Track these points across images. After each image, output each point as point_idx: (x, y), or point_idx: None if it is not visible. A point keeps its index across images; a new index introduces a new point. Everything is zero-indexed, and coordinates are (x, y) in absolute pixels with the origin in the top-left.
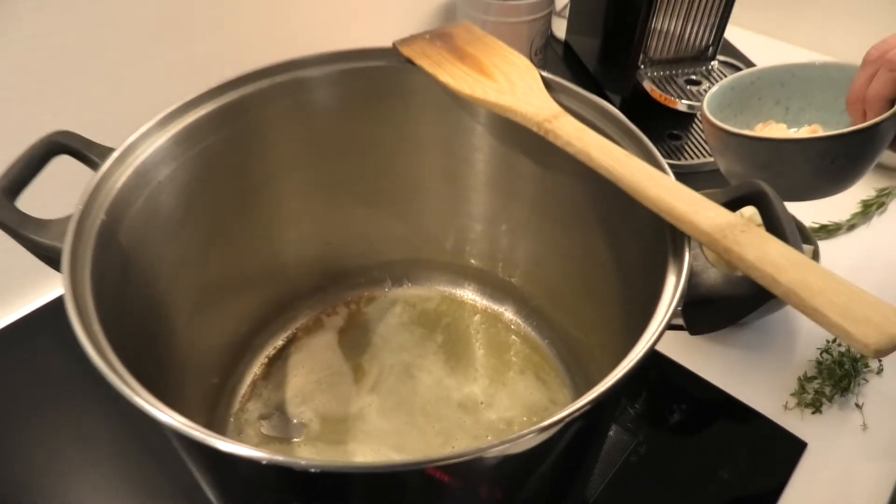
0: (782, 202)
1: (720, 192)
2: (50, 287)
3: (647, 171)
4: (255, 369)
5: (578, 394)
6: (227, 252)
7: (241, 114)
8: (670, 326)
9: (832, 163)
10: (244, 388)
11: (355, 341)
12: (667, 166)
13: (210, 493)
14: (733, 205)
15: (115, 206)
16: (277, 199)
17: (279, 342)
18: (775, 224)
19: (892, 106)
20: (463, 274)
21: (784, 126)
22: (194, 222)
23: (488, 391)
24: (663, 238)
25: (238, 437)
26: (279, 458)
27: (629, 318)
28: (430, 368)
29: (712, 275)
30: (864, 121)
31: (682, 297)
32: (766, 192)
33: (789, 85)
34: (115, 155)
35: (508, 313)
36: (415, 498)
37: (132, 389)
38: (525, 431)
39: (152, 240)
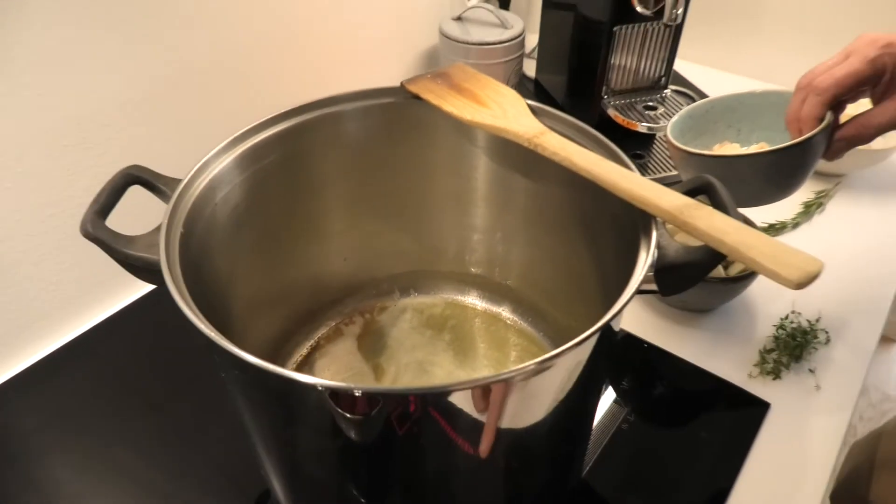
0: (726, 189)
1: (679, 186)
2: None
3: (619, 170)
4: None
5: None
6: (267, 266)
7: (292, 139)
8: (647, 291)
9: (777, 173)
10: None
11: (373, 345)
12: (633, 165)
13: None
14: (689, 194)
15: (188, 222)
16: (310, 220)
17: (305, 350)
18: (720, 204)
19: (820, 123)
20: (464, 281)
21: (737, 145)
22: (242, 238)
23: None
24: (634, 223)
25: None
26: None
27: (612, 298)
28: (441, 363)
29: (675, 246)
30: (801, 136)
31: (652, 264)
32: (712, 182)
33: (738, 110)
34: (186, 179)
35: (506, 312)
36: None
37: (229, 343)
38: (530, 363)
39: (212, 252)
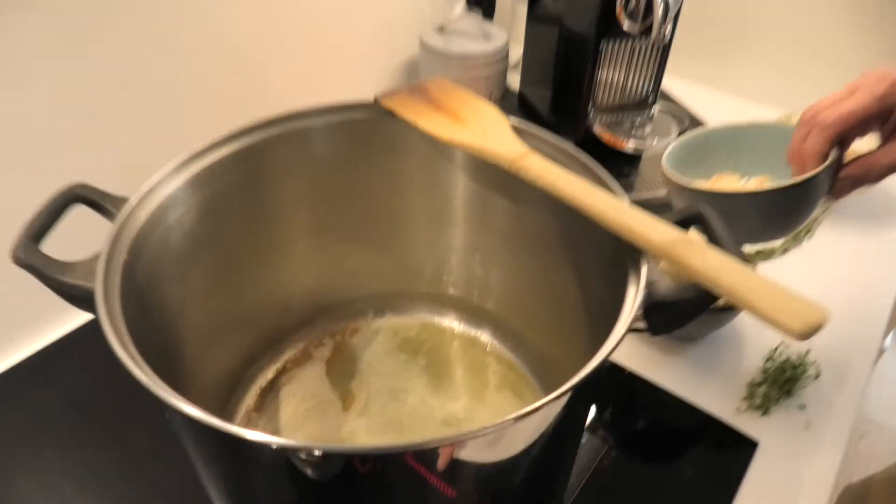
0: (721, 220)
1: (669, 216)
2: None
3: (607, 199)
4: (249, 401)
5: None
6: (227, 291)
7: (250, 159)
8: (635, 329)
9: (777, 211)
10: (238, 418)
11: (342, 369)
12: (623, 193)
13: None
14: (681, 224)
15: (133, 249)
16: (273, 241)
17: (270, 374)
18: (716, 238)
19: (825, 160)
20: (441, 302)
21: (737, 177)
22: (198, 263)
23: (469, 407)
24: (622, 256)
25: None
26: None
27: (597, 331)
28: (414, 390)
29: (665, 283)
30: (804, 172)
31: (642, 302)
32: (704, 214)
33: (739, 142)
34: (133, 201)
35: (485, 336)
36: (400, 490)
37: (168, 392)
38: (507, 418)
39: (163, 278)
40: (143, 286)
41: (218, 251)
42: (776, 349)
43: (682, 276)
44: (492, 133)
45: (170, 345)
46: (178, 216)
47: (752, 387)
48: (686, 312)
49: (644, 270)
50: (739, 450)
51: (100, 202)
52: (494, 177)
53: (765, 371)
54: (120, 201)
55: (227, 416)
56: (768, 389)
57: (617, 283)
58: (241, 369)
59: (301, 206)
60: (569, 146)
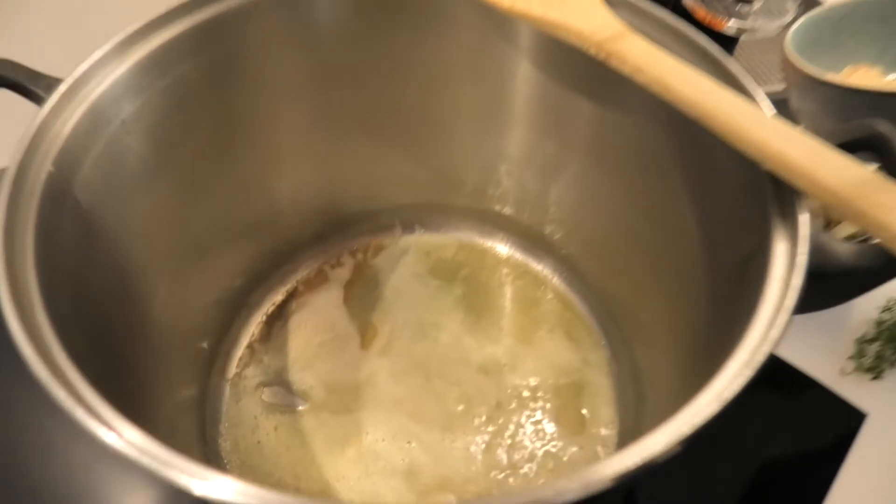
0: None
1: (825, 135)
2: None
3: (745, 108)
4: (253, 329)
5: (614, 354)
6: (214, 201)
7: (224, 34)
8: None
9: None
10: (240, 350)
11: (363, 296)
12: (768, 102)
13: None
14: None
15: (66, 155)
16: (271, 136)
17: (278, 297)
18: None
19: None
20: (484, 219)
21: (878, 71)
22: (172, 169)
23: (512, 351)
24: (762, 194)
25: (237, 405)
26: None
27: (694, 283)
28: (447, 326)
29: (831, 243)
30: None
31: (803, 272)
32: (885, 135)
33: (891, 21)
34: (62, 88)
35: (536, 264)
36: None
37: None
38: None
39: (119, 193)
40: (86, 207)
41: (196, 154)
42: None
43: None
44: (573, 1)
45: (135, 274)
46: (135, 109)
47: (862, 343)
48: (854, 287)
49: (803, 223)
50: (842, 422)
51: (29, 85)
52: (571, 65)
53: (879, 324)
54: (57, 84)
55: (227, 347)
56: (882, 348)
57: (743, 229)
58: (244, 292)
59: (298, 95)
60: (685, 27)
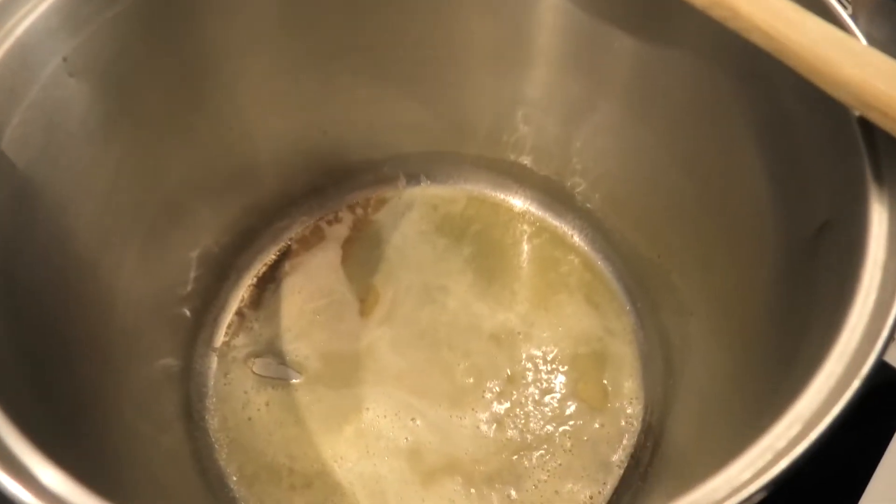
0: None
1: None
2: None
3: (835, 37)
4: (242, 293)
5: (641, 321)
6: (187, 153)
7: None
8: None
9: None
10: (229, 317)
11: (363, 257)
12: (857, 29)
13: None
14: None
15: None
16: (250, 77)
17: (270, 258)
18: None
19: None
20: (497, 170)
21: None
22: (132, 116)
23: (527, 318)
24: (846, 149)
25: (225, 378)
26: None
27: (747, 253)
28: (455, 290)
29: None
30: None
31: None
32: None
33: None
34: None
35: (554, 220)
36: None
37: None
38: None
39: (67, 148)
40: (22, 167)
41: (162, 98)
42: None
43: None
44: None
45: (94, 241)
46: (80, 45)
47: None
48: None
49: None
50: (892, 391)
51: None
52: None
53: None
54: None
55: (215, 313)
56: None
57: (824, 194)
58: (232, 251)
59: (282, 28)
60: None
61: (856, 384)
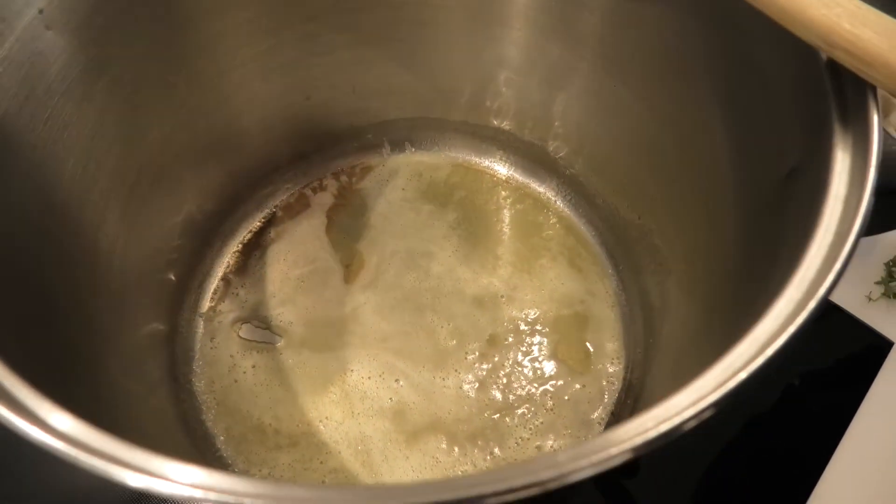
0: None
1: None
2: None
3: None
4: (228, 259)
5: (623, 284)
6: (167, 114)
7: None
8: None
9: None
10: (215, 283)
11: (347, 224)
12: None
13: None
14: None
15: None
16: (231, 37)
17: (255, 224)
18: None
19: None
20: (481, 136)
21: None
22: (110, 73)
23: (510, 282)
24: (813, 92)
25: (211, 342)
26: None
27: (722, 204)
28: (439, 255)
29: None
30: None
31: (873, 185)
32: None
33: None
34: None
35: (537, 184)
36: None
37: None
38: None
39: (43, 102)
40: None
41: (141, 59)
42: None
43: None
44: None
45: (76, 205)
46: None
47: (893, 267)
48: None
49: (873, 123)
50: (867, 351)
51: None
52: None
53: None
54: None
55: (200, 278)
56: None
57: (792, 138)
58: (217, 217)
59: None
60: None
61: (812, 305)
